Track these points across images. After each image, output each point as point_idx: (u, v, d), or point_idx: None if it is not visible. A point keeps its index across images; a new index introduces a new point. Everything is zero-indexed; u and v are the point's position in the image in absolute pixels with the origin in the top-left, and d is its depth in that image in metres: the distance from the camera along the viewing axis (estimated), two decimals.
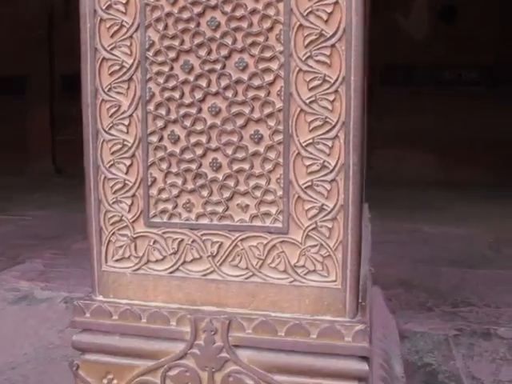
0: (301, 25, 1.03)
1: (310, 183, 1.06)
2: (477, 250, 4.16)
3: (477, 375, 2.24)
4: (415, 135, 7.53)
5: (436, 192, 6.46)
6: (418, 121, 7.57)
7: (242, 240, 1.11)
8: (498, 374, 2.25)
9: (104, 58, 1.14)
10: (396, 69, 7.89)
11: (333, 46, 1.03)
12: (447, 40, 7.59)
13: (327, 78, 1.03)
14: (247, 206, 1.10)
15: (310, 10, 1.03)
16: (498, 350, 2.47)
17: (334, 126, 1.04)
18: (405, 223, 4.85)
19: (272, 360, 1.10)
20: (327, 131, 1.05)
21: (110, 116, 1.15)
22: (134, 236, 1.17)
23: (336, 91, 1.03)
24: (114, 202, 1.17)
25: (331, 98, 1.04)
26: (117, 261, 1.19)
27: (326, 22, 1.02)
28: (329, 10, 1.02)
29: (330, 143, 1.05)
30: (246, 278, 1.12)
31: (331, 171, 1.05)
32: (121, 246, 1.18)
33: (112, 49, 1.13)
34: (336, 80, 1.03)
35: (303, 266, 1.09)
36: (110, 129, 1.15)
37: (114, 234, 1.18)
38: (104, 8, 1.12)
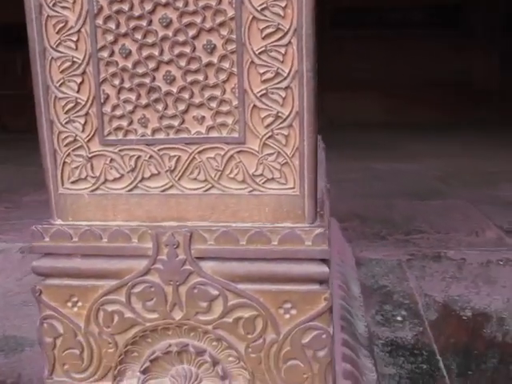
0: None
1: (264, 91, 1.07)
2: (427, 183, 4.30)
3: (429, 293, 2.35)
4: (365, 78, 7.59)
5: (385, 133, 6.59)
6: (368, 63, 7.63)
7: (199, 152, 1.11)
8: (448, 290, 2.38)
9: None
10: (346, 12, 7.86)
11: None
12: None
13: None
14: (203, 117, 1.09)
15: None
16: (447, 271, 2.60)
17: (286, 33, 1.04)
18: (356, 162, 4.95)
19: (235, 269, 1.12)
20: (280, 38, 1.04)
21: (57, 32, 1.11)
22: (90, 156, 1.15)
23: None
24: (66, 122, 1.14)
25: (283, 3, 1.03)
26: (73, 182, 1.17)
27: None
28: None
29: (283, 50, 1.05)
30: (206, 191, 1.12)
31: (285, 78, 1.06)
32: (77, 167, 1.16)
33: None
34: None
35: (261, 175, 1.10)
36: (57, 46, 1.11)
37: (68, 155, 1.16)
38: None
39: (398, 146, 5.88)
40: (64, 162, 1.16)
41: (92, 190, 1.17)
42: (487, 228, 3.22)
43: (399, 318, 2.14)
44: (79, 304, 1.20)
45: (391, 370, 1.79)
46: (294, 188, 1.10)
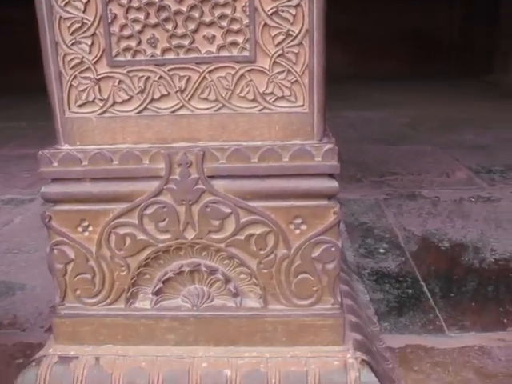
0: None
1: (275, 9, 1.08)
2: (396, 129, 4.40)
3: (408, 227, 2.45)
4: (330, 30, 7.56)
5: (352, 83, 6.64)
6: (333, 15, 7.59)
7: (210, 72, 1.12)
8: (426, 225, 2.48)
9: None
10: None
11: None
12: None
13: None
14: (213, 36, 1.10)
15: None
16: (423, 208, 2.70)
17: None
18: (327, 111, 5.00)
19: (246, 187, 1.15)
20: None
21: None
22: (98, 78, 1.14)
23: None
24: (72, 44, 1.12)
25: None
26: (80, 106, 1.16)
27: None
28: None
29: None
30: (216, 110, 1.14)
31: None
32: (84, 90, 1.15)
33: None
34: None
35: (272, 93, 1.12)
36: None
37: (75, 77, 1.15)
38: None
39: (366, 95, 5.96)
40: (70, 85, 1.15)
41: (100, 113, 1.16)
42: (457, 169, 3.33)
43: (382, 251, 2.23)
44: (90, 228, 1.21)
45: (379, 295, 1.87)
46: (303, 106, 1.13)
